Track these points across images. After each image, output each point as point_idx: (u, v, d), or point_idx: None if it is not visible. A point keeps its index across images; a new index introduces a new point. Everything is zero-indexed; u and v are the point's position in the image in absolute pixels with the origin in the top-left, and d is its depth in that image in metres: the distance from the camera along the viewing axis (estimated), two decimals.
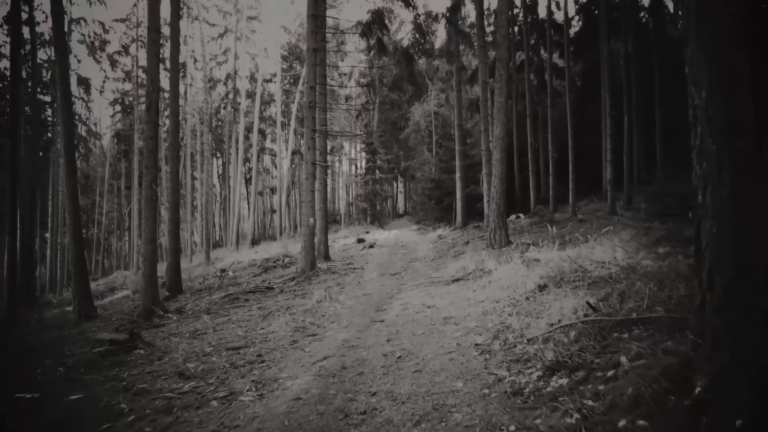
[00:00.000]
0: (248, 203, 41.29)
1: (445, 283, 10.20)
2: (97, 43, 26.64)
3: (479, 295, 7.91)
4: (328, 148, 36.68)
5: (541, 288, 7.05)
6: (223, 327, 8.90)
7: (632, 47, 22.67)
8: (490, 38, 25.48)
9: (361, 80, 34.92)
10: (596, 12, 27.83)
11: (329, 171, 43.75)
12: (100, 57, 27.42)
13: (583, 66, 29.22)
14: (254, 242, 32.54)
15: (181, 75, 35.25)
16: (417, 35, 17.89)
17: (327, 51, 31.30)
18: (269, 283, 14.23)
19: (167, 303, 13.69)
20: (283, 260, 18.61)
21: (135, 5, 28.96)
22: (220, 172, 44.04)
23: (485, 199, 17.91)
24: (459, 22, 18.97)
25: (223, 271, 19.30)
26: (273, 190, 44.27)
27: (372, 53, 16.63)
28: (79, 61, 27.54)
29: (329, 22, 31.22)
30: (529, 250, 11.08)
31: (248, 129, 36.14)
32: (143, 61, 30.69)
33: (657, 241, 8.80)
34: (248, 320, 9.21)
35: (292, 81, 37.83)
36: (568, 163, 21.19)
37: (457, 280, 10.25)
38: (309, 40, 13.76)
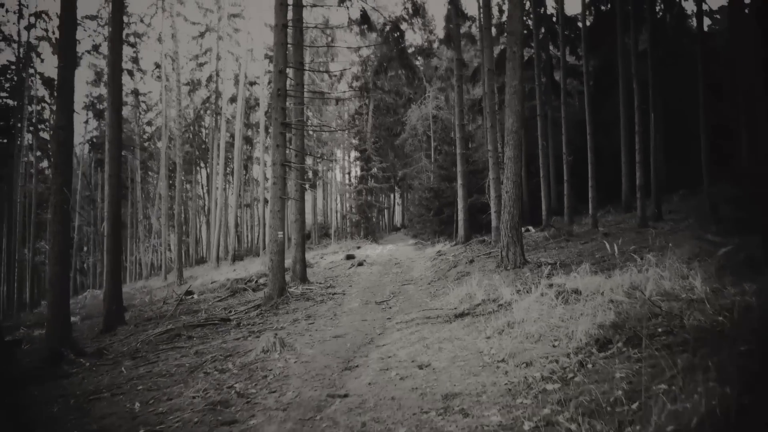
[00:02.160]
0: (235, 216, 38.66)
1: (446, 319, 7.54)
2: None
3: (497, 348, 5.24)
4: (318, 153, 34.14)
5: (602, 344, 4.38)
6: (131, 388, 6.28)
7: (651, 41, 20.13)
8: (494, 32, 23.08)
9: (354, 83, 32.41)
10: (609, 6, 25.57)
11: (320, 180, 41.08)
12: None
13: (595, 63, 26.74)
14: (236, 258, 29.84)
15: (156, 76, 32.84)
16: (410, 10, 15.29)
17: (315, 48, 28.95)
18: (230, 311, 11.65)
19: (98, 339, 11.06)
20: (256, 281, 16.00)
21: (107, 1, 26.50)
22: (206, 183, 41.35)
23: (492, 209, 15.27)
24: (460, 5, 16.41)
25: (189, 293, 16.75)
26: (262, 201, 41.56)
27: (355, 28, 14.04)
28: (42, 60, 25.00)
29: (318, 16, 28.83)
30: (557, 273, 8.42)
31: (234, 136, 33.65)
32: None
33: (748, 263, 6.14)
34: (170, 375, 6.59)
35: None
36: (582, 168, 18.71)
37: (462, 315, 7.59)
38: (277, 14, 11.21)
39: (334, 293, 12.12)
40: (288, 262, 14.83)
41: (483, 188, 19.29)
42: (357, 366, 5.62)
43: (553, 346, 4.82)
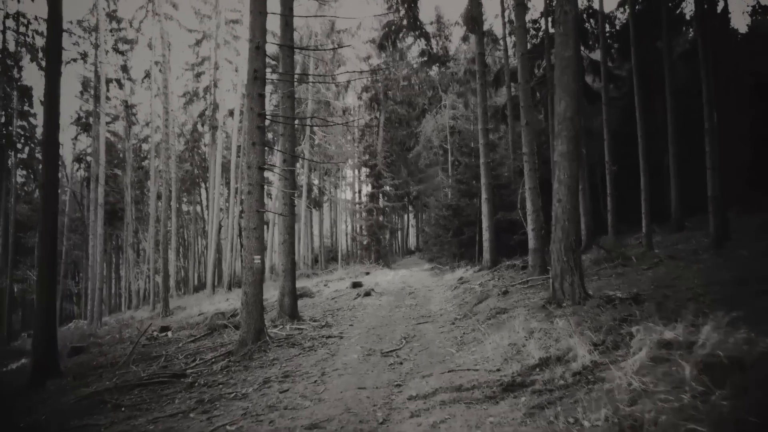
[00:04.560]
0: (240, 238, 36.17)
1: (488, 393, 4.81)
2: (39, 45, 21.99)
3: None
4: (324, 169, 31.54)
5: None
6: None
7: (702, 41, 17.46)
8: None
9: (363, 94, 29.94)
10: (645, 3, 23.04)
11: (327, 199, 38.42)
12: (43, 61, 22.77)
13: (629, 67, 24.11)
14: (234, 285, 27.17)
15: (146, 86, 30.68)
16: None
17: (319, 52, 26.49)
18: (194, 359, 8.91)
19: (15, 398, 8.36)
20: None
21: (94, 6, 24.42)
22: (206, 203, 38.97)
23: (529, 227, 12.38)
24: None
25: (165, 329, 14.21)
26: (267, 225, 38.92)
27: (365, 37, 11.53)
28: (21, 68, 22.85)
29: (324, 23, 26.54)
30: (644, 315, 5.59)
31: (232, 151, 31.31)
32: (109, 73, 26.16)
33: None
34: None
35: (281, 95, 32.71)
36: (622, 182, 16.09)
37: (513, 386, 4.84)
38: None
39: (330, 336, 9.34)
40: (276, 294, 12.12)
41: (511, 204, 16.50)
42: None
43: None
